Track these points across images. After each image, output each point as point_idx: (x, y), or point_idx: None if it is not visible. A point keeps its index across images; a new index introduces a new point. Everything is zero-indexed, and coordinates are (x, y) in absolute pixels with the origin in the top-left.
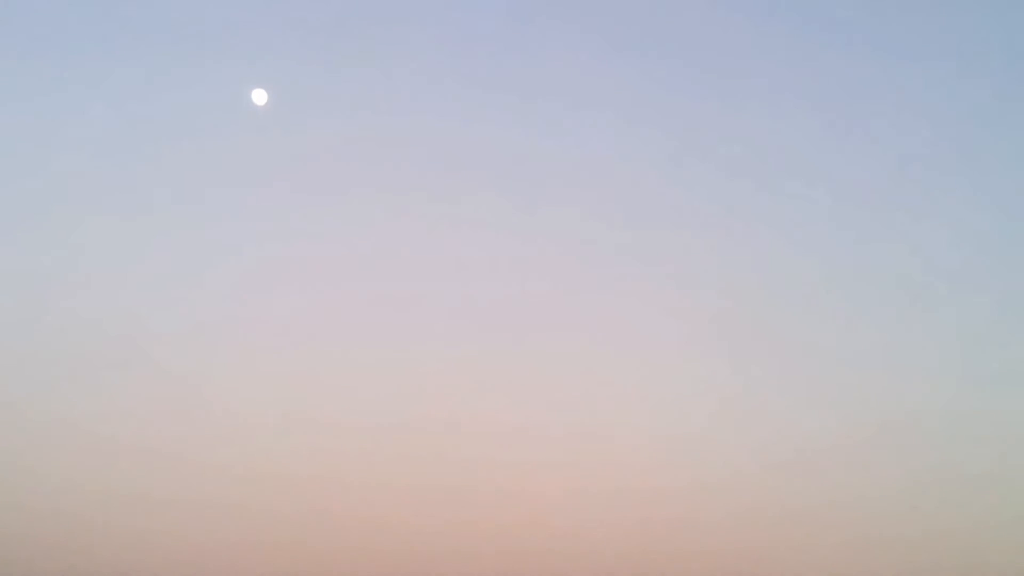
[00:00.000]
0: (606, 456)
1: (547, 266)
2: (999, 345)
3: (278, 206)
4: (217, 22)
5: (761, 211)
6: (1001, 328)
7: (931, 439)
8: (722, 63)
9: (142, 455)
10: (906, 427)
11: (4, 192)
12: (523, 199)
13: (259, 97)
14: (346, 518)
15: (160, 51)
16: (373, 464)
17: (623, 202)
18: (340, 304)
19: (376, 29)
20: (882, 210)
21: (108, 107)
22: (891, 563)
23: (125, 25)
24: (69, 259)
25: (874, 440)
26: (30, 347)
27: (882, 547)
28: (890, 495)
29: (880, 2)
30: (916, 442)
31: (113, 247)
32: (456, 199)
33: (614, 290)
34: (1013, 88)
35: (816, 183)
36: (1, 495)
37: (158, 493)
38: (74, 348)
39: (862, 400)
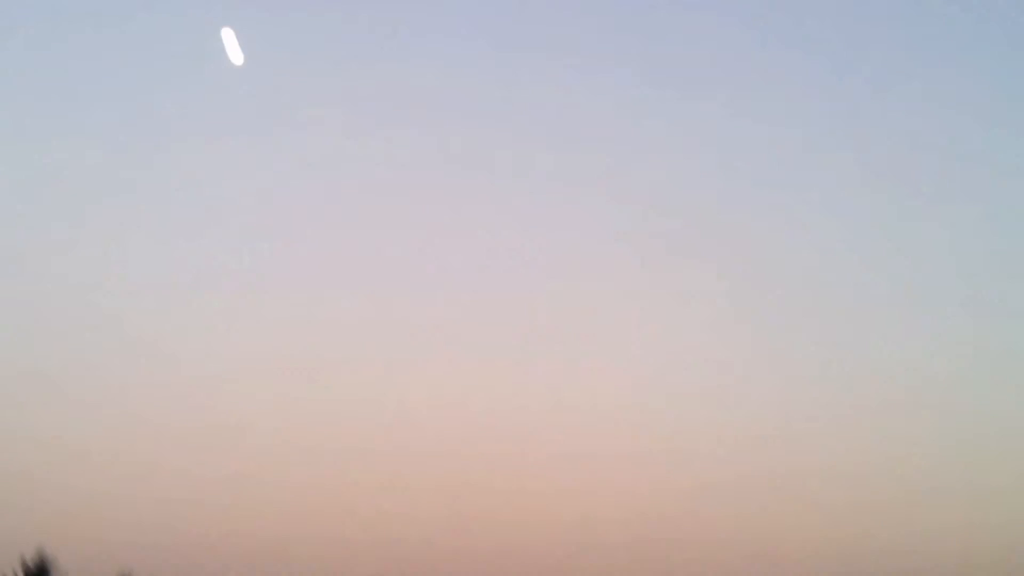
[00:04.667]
0: (597, 426)
1: (543, 248)
2: (997, 317)
3: (280, 203)
4: None
5: (755, 197)
6: (1001, 302)
7: (925, 407)
8: (727, 68)
9: (143, 447)
10: (899, 396)
11: None
12: (525, 186)
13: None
14: (348, 511)
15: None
16: (374, 457)
17: (620, 185)
18: (339, 288)
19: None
20: (879, 192)
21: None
22: (881, 531)
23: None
24: (60, 240)
25: (866, 410)
26: (28, 321)
27: (869, 514)
28: (880, 464)
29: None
30: (910, 410)
31: (110, 235)
32: (458, 177)
33: (609, 268)
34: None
35: (817, 168)
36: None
37: (155, 487)
38: (69, 330)
39: (852, 370)
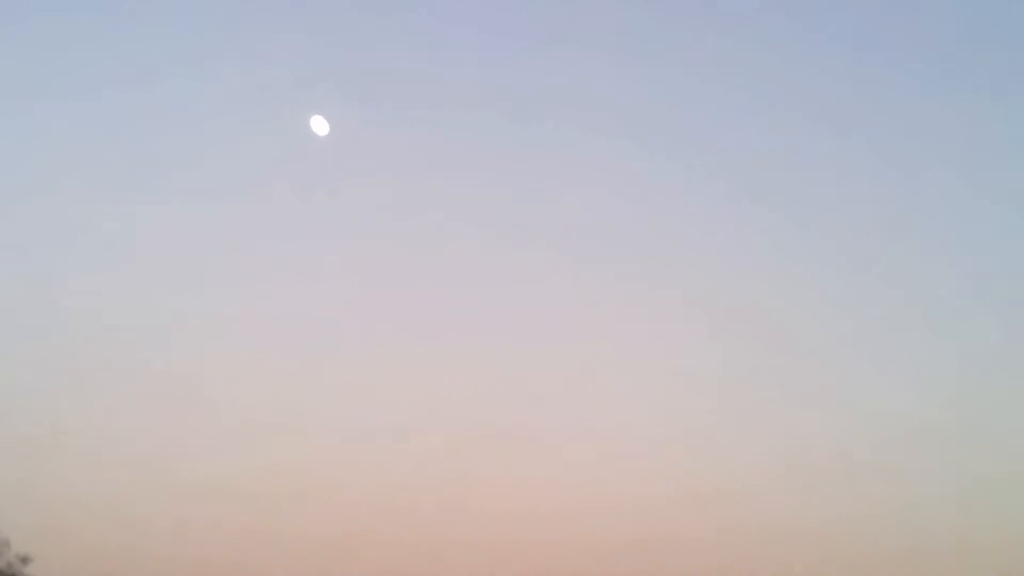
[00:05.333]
0: (604, 458)
1: (549, 269)
2: (1005, 350)
3: (283, 213)
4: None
5: (759, 217)
6: (1006, 333)
7: (935, 443)
8: (731, 78)
9: (136, 460)
10: (907, 432)
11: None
12: (527, 200)
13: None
14: (343, 523)
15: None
16: (367, 465)
17: (624, 204)
18: (341, 307)
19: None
20: (884, 216)
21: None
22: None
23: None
24: (70, 262)
25: (877, 447)
26: (27, 343)
27: (880, 556)
28: (892, 502)
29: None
30: (919, 447)
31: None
32: (456, 200)
33: (617, 294)
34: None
35: (821, 190)
36: None
37: (147, 500)
38: (68, 346)
39: (865, 404)
